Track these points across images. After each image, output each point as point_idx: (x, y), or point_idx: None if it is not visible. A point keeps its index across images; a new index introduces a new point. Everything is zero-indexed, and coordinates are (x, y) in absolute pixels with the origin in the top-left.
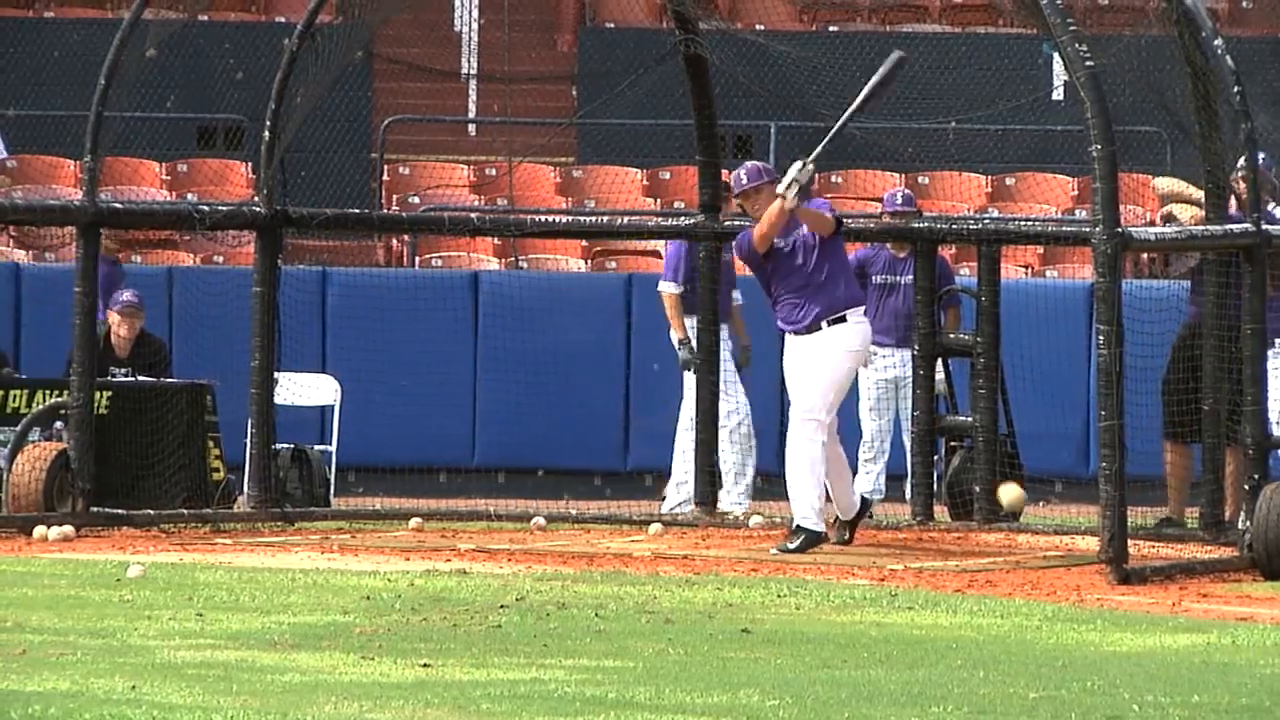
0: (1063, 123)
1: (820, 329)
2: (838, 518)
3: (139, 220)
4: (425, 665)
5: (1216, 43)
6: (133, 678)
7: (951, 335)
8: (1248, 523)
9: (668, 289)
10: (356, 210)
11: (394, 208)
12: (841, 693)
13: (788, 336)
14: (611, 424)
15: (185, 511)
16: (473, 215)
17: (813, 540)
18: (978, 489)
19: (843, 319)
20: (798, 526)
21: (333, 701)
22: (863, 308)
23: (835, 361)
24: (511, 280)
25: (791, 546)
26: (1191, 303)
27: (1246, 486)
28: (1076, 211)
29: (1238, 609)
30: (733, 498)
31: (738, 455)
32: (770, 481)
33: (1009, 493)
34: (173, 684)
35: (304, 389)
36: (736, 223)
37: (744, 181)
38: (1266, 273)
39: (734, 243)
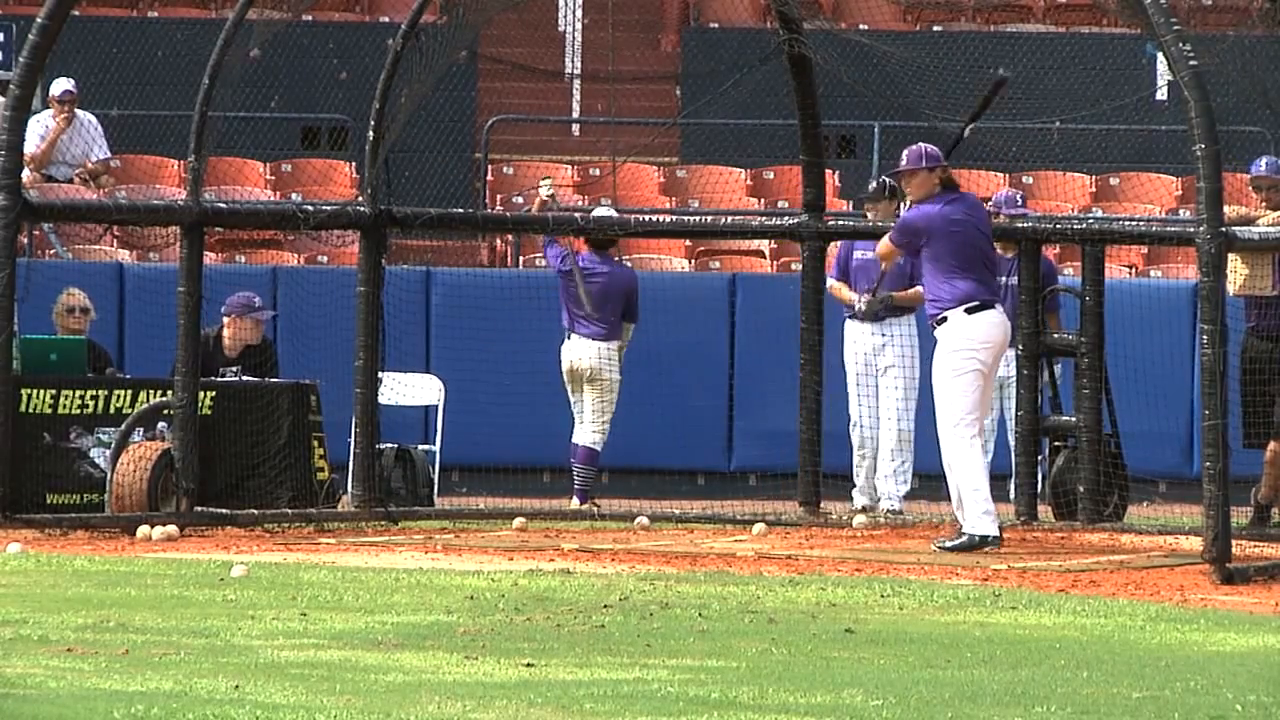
0: (1166, 122)
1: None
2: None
3: (243, 220)
4: (529, 665)
5: None
6: (236, 678)
7: (1055, 335)
8: None
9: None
10: (460, 210)
11: (498, 208)
12: (945, 693)
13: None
14: (715, 424)
15: (289, 511)
16: (577, 215)
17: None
18: (1081, 489)
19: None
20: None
21: (436, 701)
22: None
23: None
24: None
25: (949, 545)
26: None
27: None
28: (1180, 211)
29: None
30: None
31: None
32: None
33: None
34: (276, 684)
35: (408, 389)
36: (840, 223)
37: (903, 163)
38: None
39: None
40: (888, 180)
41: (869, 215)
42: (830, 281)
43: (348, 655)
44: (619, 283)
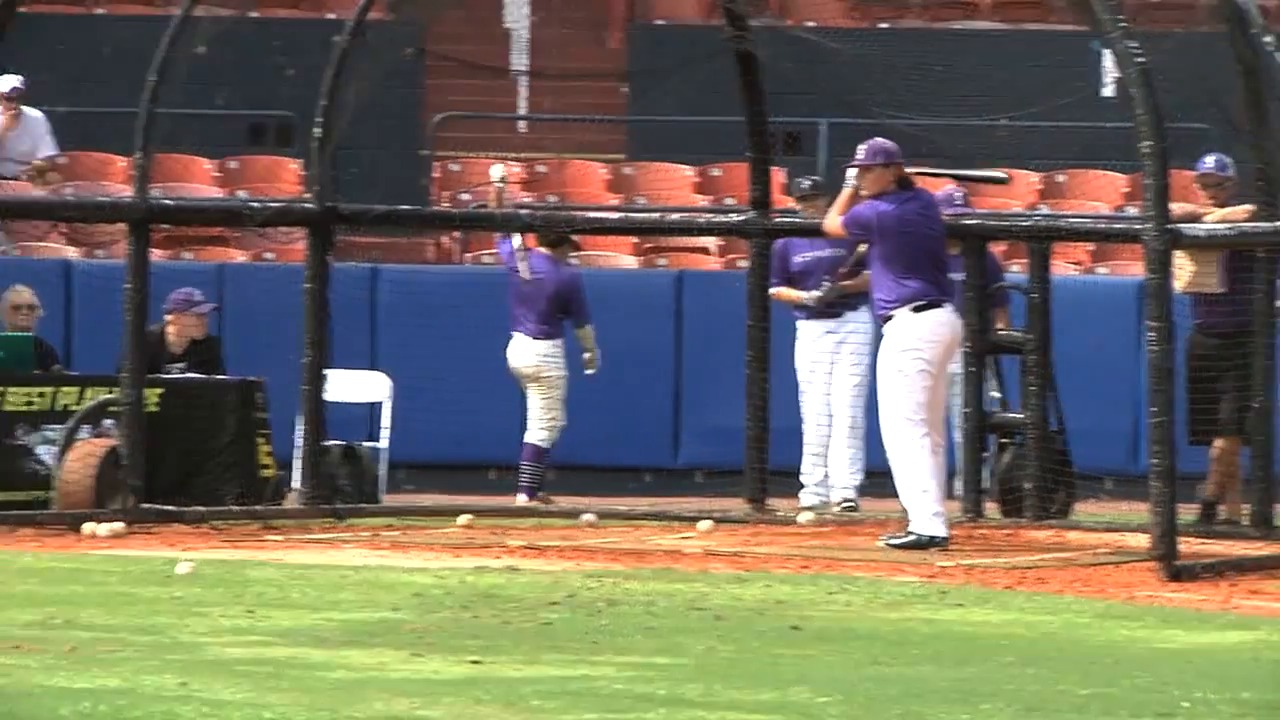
0: (1113, 119)
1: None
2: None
3: (190, 217)
4: (475, 662)
5: (1267, 39)
6: (183, 674)
7: (1002, 332)
8: None
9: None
10: (407, 207)
11: (444, 204)
12: (891, 690)
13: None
14: (662, 421)
15: (235, 508)
16: (523, 212)
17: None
18: (1028, 485)
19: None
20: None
21: (383, 698)
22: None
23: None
24: None
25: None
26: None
27: None
28: (1127, 208)
29: None
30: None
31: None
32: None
33: None
34: (223, 681)
35: (354, 386)
36: (785, 220)
37: (859, 157)
38: None
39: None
40: (819, 179)
41: (800, 211)
42: (772, 290)
43: (294, 652)
44: (556, 282)
